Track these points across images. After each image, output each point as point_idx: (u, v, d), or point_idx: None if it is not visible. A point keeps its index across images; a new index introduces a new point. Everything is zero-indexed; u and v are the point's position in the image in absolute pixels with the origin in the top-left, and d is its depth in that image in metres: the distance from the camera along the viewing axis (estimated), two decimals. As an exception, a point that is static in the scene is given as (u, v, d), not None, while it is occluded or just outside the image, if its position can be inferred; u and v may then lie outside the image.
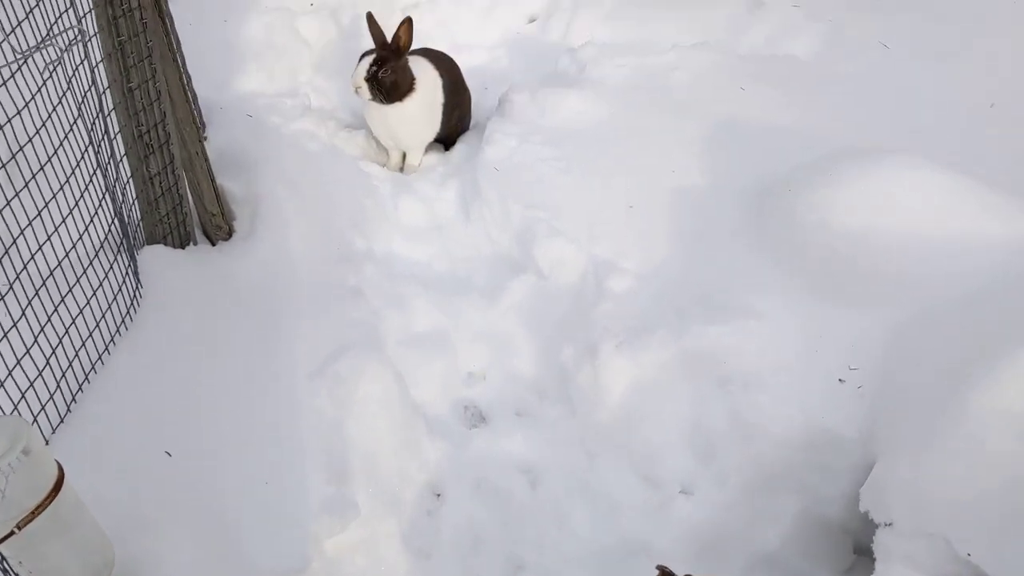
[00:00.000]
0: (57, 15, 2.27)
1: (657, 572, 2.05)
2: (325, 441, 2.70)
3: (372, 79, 3.98)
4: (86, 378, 2.40)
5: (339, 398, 2.81)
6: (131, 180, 2.93)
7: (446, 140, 4.55)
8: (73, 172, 2.38)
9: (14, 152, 2.09)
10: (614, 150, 3.99)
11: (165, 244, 3.06)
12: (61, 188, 2.32)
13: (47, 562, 1.83)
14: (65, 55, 2.18)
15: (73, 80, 2.32)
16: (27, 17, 2.12)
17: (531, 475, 3.01)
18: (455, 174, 4.25)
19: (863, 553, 2.59)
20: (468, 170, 4.15)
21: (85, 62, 2.44)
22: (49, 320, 2.30)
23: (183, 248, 3.12)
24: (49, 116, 2.21)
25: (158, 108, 2.84)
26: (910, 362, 2.70)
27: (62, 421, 2.28)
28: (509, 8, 5.58)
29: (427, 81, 4.21)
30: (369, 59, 3.99)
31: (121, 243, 2.68)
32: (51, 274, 2.33)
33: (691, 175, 3.79)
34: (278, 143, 3.85)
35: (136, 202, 2.96)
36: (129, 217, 2.84)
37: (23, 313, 2.18)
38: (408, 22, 3.96)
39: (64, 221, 2.37)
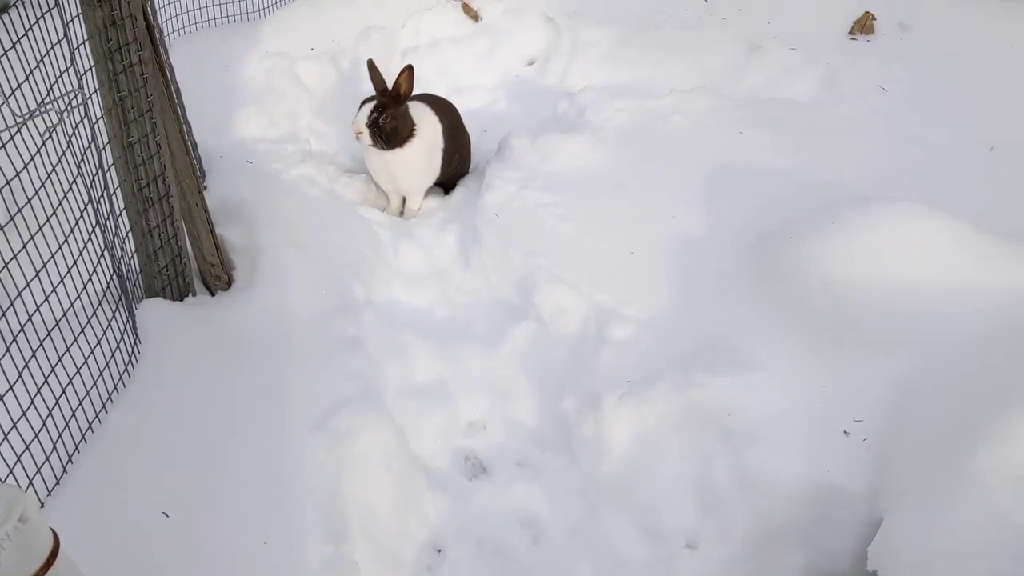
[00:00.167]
0: (57, 75, 2.26)
1: None
2: (323, 499, 2.66)
3: (373, 125, 3.99)
4: (83, 438, 2.37)
5: (337, 454, 2.78)
6: (130, 233, 2.92)
7: (446, 184, 4.55)
8: (72, 232, 2.36)
9: (12, 215, 2.07)
10: (614, 196, 3.99)
11: (164, 296, 3.05)
12: (60, 248, 2.31)
13: (41, 634, 1.78)
14: (65, 116, 2.18)
15: (73, 139, 2.31)
16: (27, 79, 2.11)
17: (533, 529, 2.96)
18: (455, 219, 4.24)
19: (871, 611, 2.55)
20: (468, 216, 4.15)
21: (85, 120, 2.43)
22: (46, 381, 2.27)
23: (182, 300, 3.11)
24: (48, 177, 2.19)
25: (158, 161, 2.83)
26: (916, 415, 2.68)
27: (58, 483, 2.25)
28: (507, 51, 5.63)
29: (427, 127, 4.22)
30: (370, 106, 4.00)
31: (120, 299, 2.66)
32: (48, 335, 2.30)
33: (692, 221, 3.78)
34: (278, 190, 3.85)
35: (135, 255, 2.95)
36: (128, 270, 2.82)
37: (19, 375, 2.16)
38: (409, 70, 3.97)
39: (63, 280, 2.35)
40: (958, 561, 2.13)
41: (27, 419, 2.17)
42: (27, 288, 2.20)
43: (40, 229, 2.22)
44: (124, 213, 2.89)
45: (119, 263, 2.66)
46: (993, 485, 2.15)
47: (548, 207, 3.94)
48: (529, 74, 5.57)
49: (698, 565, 2.77)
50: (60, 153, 2.25)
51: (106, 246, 2.56)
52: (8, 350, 2.11)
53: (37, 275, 2.24)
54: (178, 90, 3.20)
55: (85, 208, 2.41)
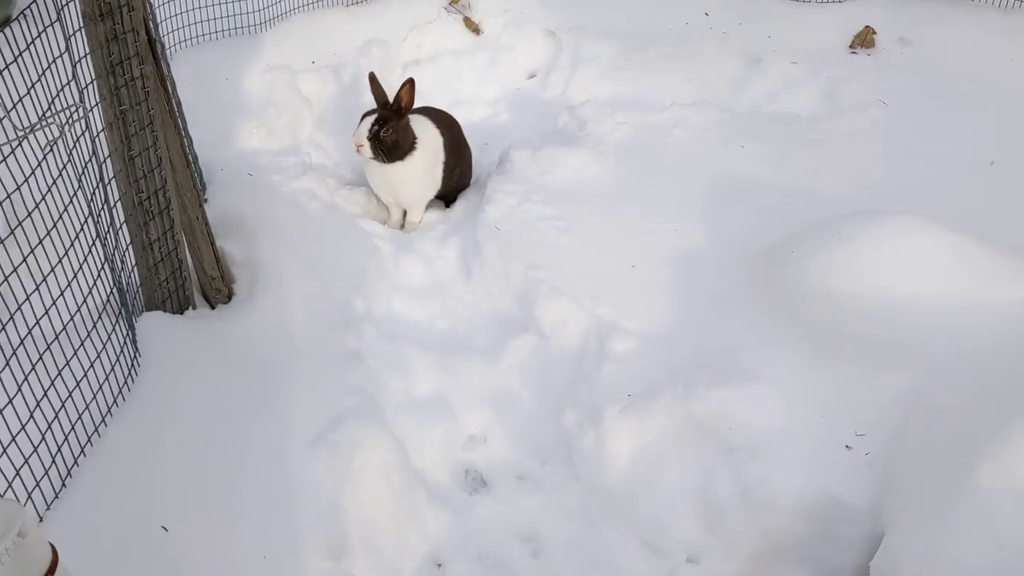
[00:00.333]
0: (59, 88, 2.26)
1: None
2: (323, 513, 2.65)
3: (374, 138, 3.99)
4: (82, 452, 2.36)
5: (338, 468, 2.77)
6: (131, 246, 2.92)
7: (447, 197, 4.55)
8: (72, 244, 2.36)
9: (13, 228, 2.07)
10: (615, 209, 3.99)
11: (164, 309, 3.04)
12: (60, 261, 2.30)
13: (39, 650, 1.77)
14: (66, 129, 2.18)
15: (74, 152, 2.31)
16: (28, 92, 2.11)
17: (533, 543, 2.95)
18: (456, 232, 4.24)
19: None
20: (469, 228, 4.15)
21: (86, 133, 2.43)
22: (45, 394, 2.26)
23: (182, 313, 3.11)
24: (49, 190, 2.19)
25: (159, 175, 2.83)
26: (918, 429, 2.67)
27: (57, 497, 2.23)
28: (509, 65, 5.64)
29: (428, 140, 4.22)
30: (371, 119, 4.01)
31: (120, 312, 2.65)
32: (48, 348, 2.30)
33: (693, 234, 3.79)
34: (278, 204, 3.85)
35: (135, 268, 2.95)
36: (128, 284, 2.82)
37: (19, 389, 2.15)
38: (410, 83, 3.98)
39: (63, 294, 2.34)
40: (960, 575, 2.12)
41: (26, 433, 2.17)
42: (27, 301, 2.19)
43: (40, 242, 2.22)
44: (125, 226, 2.89)
45: (119, 276, 2.66)
46: (995, 500, 2.15)
47: (549, 220, 3.94)
48: (530, 87, 5.59)
49: (700, 580, 2.76)
50: (61, 166, 2.25)
51: (106, 259, 2.56)
52: (8, 363, 2.10)
53: (37, 288, 2.23)
54: (179, 103, 3.21)
55: (86, 221, 2.41)
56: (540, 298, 3.57)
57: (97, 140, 2.56)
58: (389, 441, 2.96)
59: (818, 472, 2.72)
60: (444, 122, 4.38)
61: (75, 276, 2.40)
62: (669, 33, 5.60)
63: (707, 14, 5.72)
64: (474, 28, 5.83)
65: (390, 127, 3.99)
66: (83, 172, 2.39)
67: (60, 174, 2.25)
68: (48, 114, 2.11)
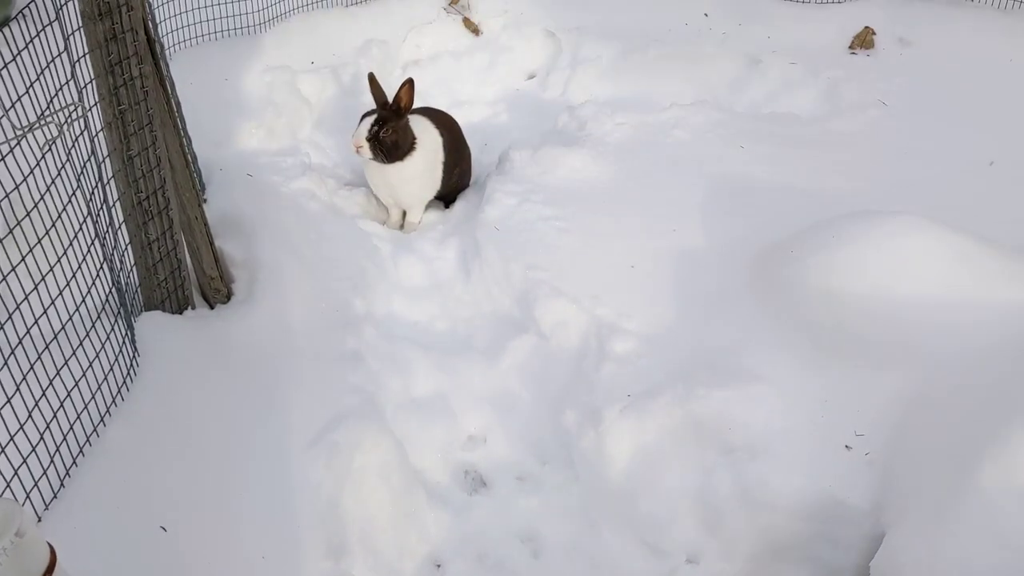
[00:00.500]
0: (58, 88, 2.26)
1: None
2: (322, 513, 2.65)
3: (373, 139, 3.98)
4: (80, 451, 2.36)
5: (337, 469, 2.77)
6: (129, 246, 2.91)
7: (446, 197, 4.55)
8: (71, 244, 2.36)
9: (11, 227, 2.07)
10: (615, 209, 3.99)
11: (163, 309, 3.04)
12: (59, 260, 2.30)
13: (37, 651, 1.77)
14: (64, 128, 2.17)
15: (72, 151, 2.31)
16: (27, 91, 2.11)
17: (533, 544, 2.95)
18: (455, 233, 4.24)
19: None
20: (468, 229, 4.14)
21: (85, 133, 2.42)
22: (44, 394, 2.26)
23: (181, 313, 3.10)
24: (48, 190, 2.19)
25: (158, 175, 2.83)
26: (918, 429, 2.67)
27: (55, 497, 2.23)
28: (508, 65, 5.64)
29: (428, 140, 4.22)
30: (370, 119, 4.00)
31: (119, 312, 2.65)
32: (47, 347, 2.29)
33: (693, 234, 3.78)
34: (277, 204, 3.84)
35: (134, 268, 2.94)
36: (127, 283, 2.82)
37: (17, 388, 2.14)
38: (410, 83, 3.98)
39: (61, 293, 2.34)
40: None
41: (24, 432, 2.16)
42: (26, 300, 2.19)
43: (39, 241, 2.21)
44: (123, 226, 2.88)
45: (118, 276, 2.65)
46: (996, 500, 2.14)
47: (549, 220, 3.94)
48: (530, 88, 5.58)
49: (700, 581, 2.75)
50: (60, 166, 2.25)
51: (105, 259, 2.55)
52: (6, 362, 2.10)
53: (36, 287, 2.23)
54: (178, 103, 3.21)
55: (84, 221, 2.41)
56: (540, 298, 3.56)
57: (96, 139, 2.56)
58: (389, 441, 2.96)
59: (818, 472, 2.71)
60: (443, 122, 4.38)
61: (74, 276, 2.40)
62: (669, 34, 5.60)
63: (707, 15, 5.72)
64: (474, 29, 5.83)
65: (389, 127, 3.99)
66: (82, 171, 2.39)
67: (59, 173, 2.24)
68: (47, 113, 2.11)
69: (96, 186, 2.52)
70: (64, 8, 2.39)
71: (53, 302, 2.31)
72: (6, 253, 2.12)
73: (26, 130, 1.98)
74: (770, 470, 2.75)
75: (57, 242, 2.31)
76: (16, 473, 2.11)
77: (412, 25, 5.66)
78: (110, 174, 2.76)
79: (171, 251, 2.98)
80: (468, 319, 3.79)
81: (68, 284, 2.37)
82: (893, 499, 2.55)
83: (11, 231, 2.07)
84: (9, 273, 2.09)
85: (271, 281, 3.35)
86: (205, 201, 3.57)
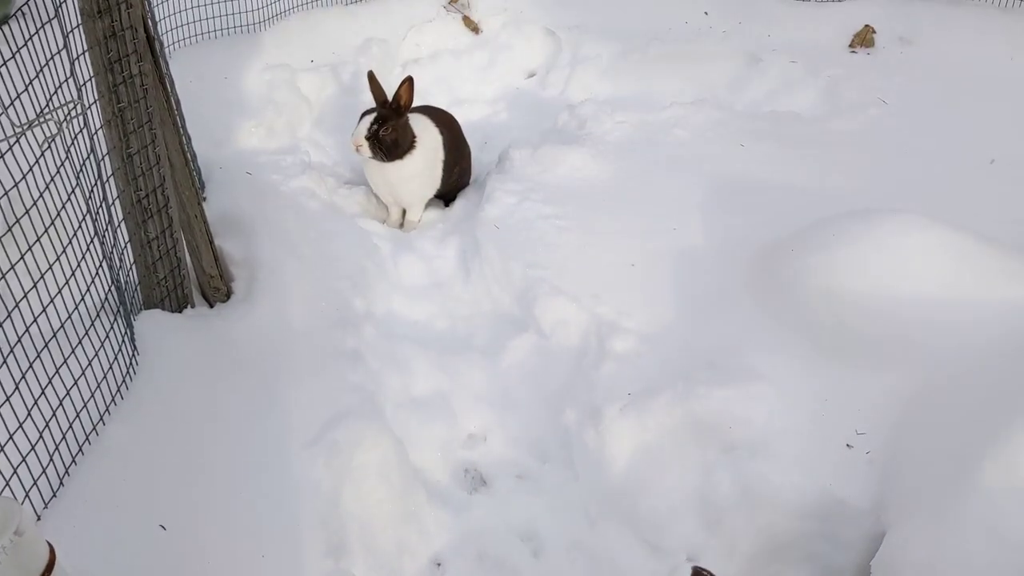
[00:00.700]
0: (57, 85, 2.25)
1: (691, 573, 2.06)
2: (322, 512, 2.64)
3: (373, 138, 3.98)
4: (80, 450, 2.35)
5: (336, 467, 2.76)
6: (129, 244, 2.91)
7: (446, 196, 4.54)
8: (70, 242, 2.35)
9: (10, 225, 2.06)
10: (615, 208, 3.99)
11: (163, 307, 3.03)
12: (58, 259, 2.29)
13: (36, 649, 1.76)
14: (64, 126, 2.17)
15: (72, 149, 2.30)
16: (27, 89, 2.10)
17: (533, 543, 2.94)
18: (455, 231, 4.23)
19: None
20: (468, 227, 4.14)
21: (84, 131, 2.42)
22: (43, 392, 2.25)
23: (180, 311, 3.10)
24: (47, 187, 2.18)
25: (157, 173, 2.82)
26: (918, 428, 2.67)
27: (54, 495, 2.23)
28: (508, 64, 5.64)
29: (428, 139, 4.21)
30: (370, 118, 4.00)
31: (118, 311, 2.64)
32: (46, 345, 2.29)
33: (693, 233, 3.78)
34: (277, 203, 3.84)
35: (134, 266, 2.94)
36: (126, 282, 2.81)
37: (16, 387, 2.14)
38: (409, 81, 3.97)
39: (61, 291, 2.33)
40: (962, 574, 2.11)
41: (23, 431, 2.15)
42: (25, 298, 2.18)
43: (39, 239, 2.21)
44: (123, 224, 2.88)
45: (117, 274, 2.65)
46: (997, 499, 2.14)
47: (549, 219, 3.94)
48: (530, 86, 5.58)
49: (700, 580, 2.75)
50: (59, 164, 2.24)
51: (105, 257, 2.55)
52: (5, 361, 2.09)
53: (35, 286, 2.22)
54: (178, 101, 3.20)
55: (84, 219, 2.40)
56: (540, 297, 3.56)
57: (95, 137, 2.55)
58: (388, 440, 2.95)
59: (818, 471, 2.71)
60: (443, 121, 4.37)
61: (73, 274, 2.39)
62: (669, 32, 5.60)
63: (707, 13, 5.72)
64: (473, 27, 5.83)
65: (389, 126, 3.98)
66: (81, 169, 2.38)
67: (58, 171, 2.24)
68: (46, 110, 2.10)
69: (95, 184, 2.52)
70: (63, 5, 2.39)
71: (52, 300, 2.30)
72: (5, 251, 2.12)
73: (25, 127, 1.98)
74: (770, 469, 2.75)
75: (56, 240, 2.31)
76: (15, 472, 2.10)
77: (412, 23, 5.66)
78: (109, 172, 2.75)
79: (170, 249, 2.98)
80: (468, 318, 3.79)
81: (67, 282, 2.37)
82: (894, 498, 2.54)
83: (10, 229, 2.06)
84: (8, 271, 2.08)
85: (271, 280, 3.35)
86: (204, 199, 3.57)
